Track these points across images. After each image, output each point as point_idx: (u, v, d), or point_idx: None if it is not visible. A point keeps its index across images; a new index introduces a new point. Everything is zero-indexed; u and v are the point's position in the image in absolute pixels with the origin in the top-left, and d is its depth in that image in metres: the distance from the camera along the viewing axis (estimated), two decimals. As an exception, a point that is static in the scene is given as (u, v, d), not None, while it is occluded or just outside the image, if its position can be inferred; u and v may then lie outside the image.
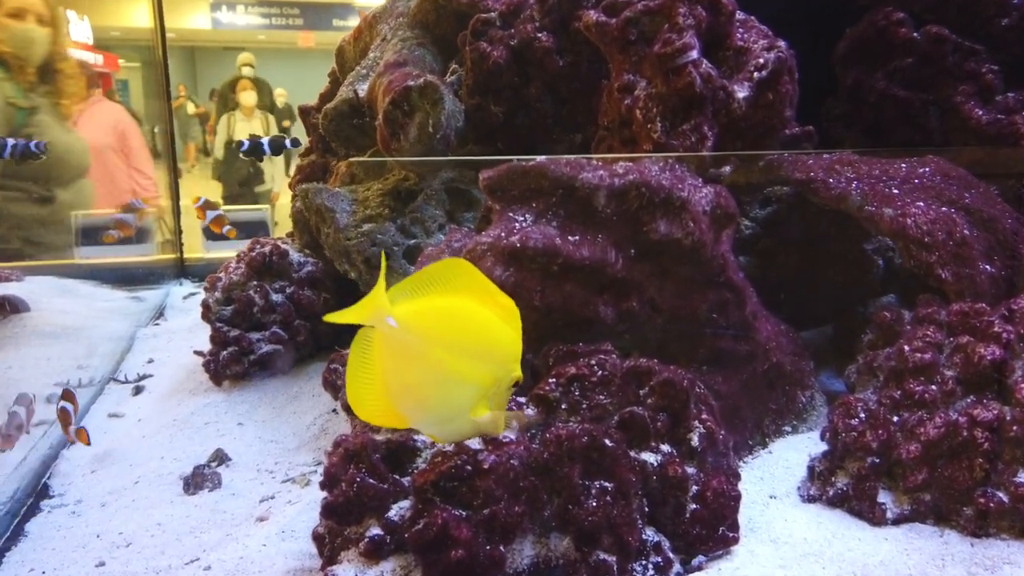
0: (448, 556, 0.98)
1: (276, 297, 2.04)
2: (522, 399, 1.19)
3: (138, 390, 2.13)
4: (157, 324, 2.84)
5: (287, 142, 2.41)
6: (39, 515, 1.48)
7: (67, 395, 1.71)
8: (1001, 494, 1.16)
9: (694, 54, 1.40)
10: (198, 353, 2.08)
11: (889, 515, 1.22)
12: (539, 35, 1.82)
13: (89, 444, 1.64)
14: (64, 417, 1.66)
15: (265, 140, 2.38)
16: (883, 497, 1.24)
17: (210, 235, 3.70)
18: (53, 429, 1.77)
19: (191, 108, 6.28)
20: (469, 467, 1.04)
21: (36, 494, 1.56)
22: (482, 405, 0.99)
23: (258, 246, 2.09)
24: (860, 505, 1.24)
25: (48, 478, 1.63)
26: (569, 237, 1.26)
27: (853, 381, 1.46)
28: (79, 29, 3.42)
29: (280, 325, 2.02)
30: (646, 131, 1.43)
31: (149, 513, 1.45)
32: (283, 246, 2.10)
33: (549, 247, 1.23)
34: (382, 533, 1.06)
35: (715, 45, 1.51)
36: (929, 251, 1.42)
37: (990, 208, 1.53)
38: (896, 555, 1.13)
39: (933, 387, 1.27)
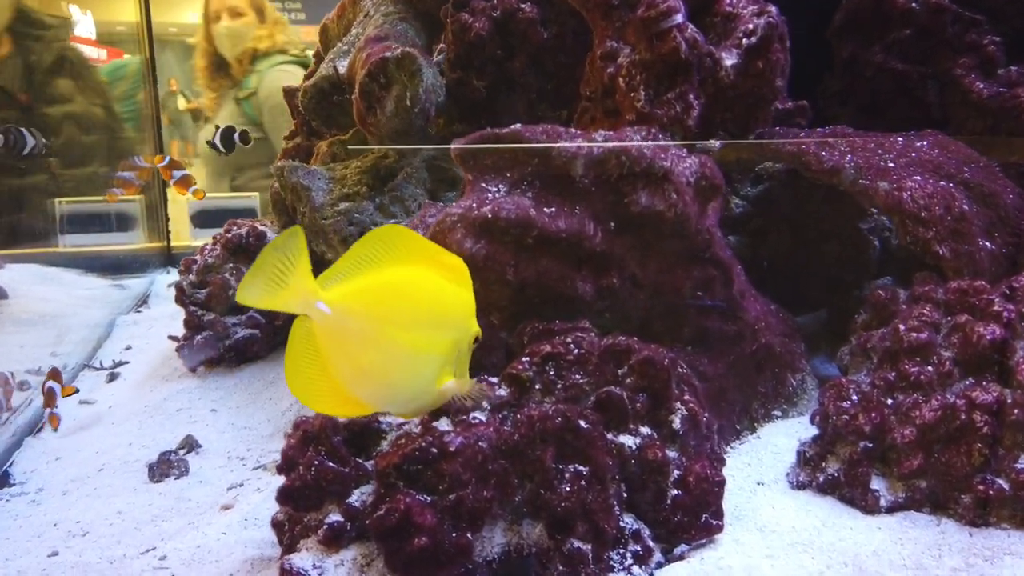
0: (411, 544, 0.93)
1: (253, 280, 1.97)
2: (494, 379, 1.13)
3: (112, 377, 2.07)
4: (139, 312, 2.79)
5: (236, 135, 2.33)
6: (-3, 503, 1.42)
7: (54, 374, 1.67)
8: (1001, 481, 1.11)
9: (679, 18, 1.33)
10: (172, 338, 2.02)
11: (882, 502, 1.17)
12: (523, 5, 1.75)
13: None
14: (50, 396, 1.62)
15: (218, 136, 2.30)
16: (876, 483, 1.19)
17: (198, 222, 3.66)
18: (17, 416, 1.71)
19: (182, 103, 6.17)
20: (435, 449, 0.98)
21: (-4, 482, 1.50)
22: (446, 372, 0.93)
23: (234, 227, 2.03)
24: (852, 492, 1.18)
25: (10, 465, 1.57)
26: (545, 208, 1.19)
27: (846, 363, 1.40)
28: (83, 24, 3.40)
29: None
30: (629, 100, 1.36)
31: (110, 501, 1.40)
32: (260, 228, 2.04)
33: (523, 218, 1.17)
34: (342, 520, 1.01)
35: (702, 10, 1.44)
36: (926, 226, 1.36)
37: (991, 183, 1.46)
38: (890, 545, 1.08)
39: (929, 368, 1.21)
